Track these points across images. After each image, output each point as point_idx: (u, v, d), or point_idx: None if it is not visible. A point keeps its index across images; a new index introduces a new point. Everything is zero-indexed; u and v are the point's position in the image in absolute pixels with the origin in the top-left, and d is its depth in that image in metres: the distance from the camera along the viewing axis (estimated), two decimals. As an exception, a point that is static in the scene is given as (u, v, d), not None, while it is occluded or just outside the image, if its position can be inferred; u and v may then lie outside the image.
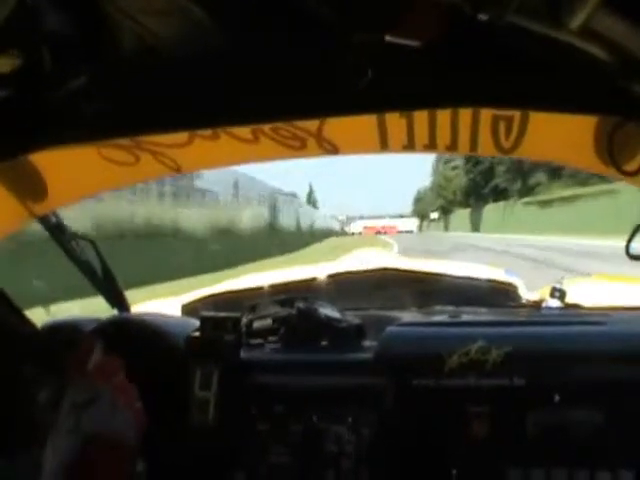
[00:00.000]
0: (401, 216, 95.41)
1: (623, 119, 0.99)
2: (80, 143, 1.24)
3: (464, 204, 67.45)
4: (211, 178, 20.19)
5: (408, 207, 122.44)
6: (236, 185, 24.05)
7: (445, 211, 78.59)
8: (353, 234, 79.22)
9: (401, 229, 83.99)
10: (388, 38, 0.85)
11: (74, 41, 0.95)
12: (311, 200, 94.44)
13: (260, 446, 1.46)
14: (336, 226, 77.24)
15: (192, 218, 18.08)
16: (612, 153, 1.07)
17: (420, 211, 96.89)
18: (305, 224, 40.48)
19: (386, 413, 1.41)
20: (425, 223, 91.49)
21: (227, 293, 2.08)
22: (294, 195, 44.49)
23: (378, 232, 78.87)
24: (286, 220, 31.96)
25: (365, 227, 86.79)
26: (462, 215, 66.86)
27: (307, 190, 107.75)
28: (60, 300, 7.34)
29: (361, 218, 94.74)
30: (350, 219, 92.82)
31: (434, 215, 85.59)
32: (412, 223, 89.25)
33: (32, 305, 2.06)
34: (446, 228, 74.27)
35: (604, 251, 14.88)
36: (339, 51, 0.90)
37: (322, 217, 64.09)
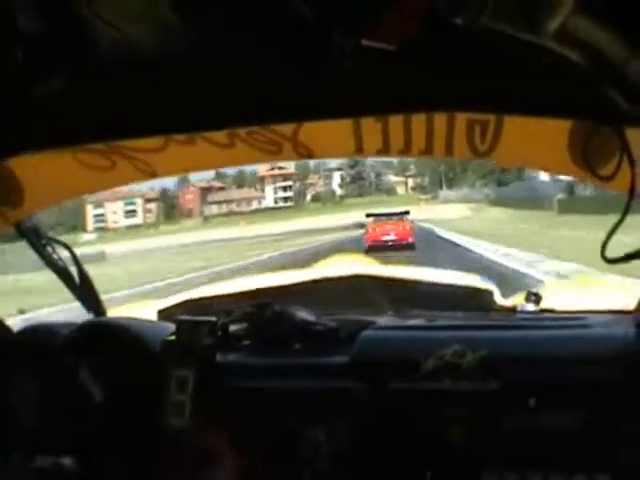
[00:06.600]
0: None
1: (598, 123, 1.00)
2: (56, 148, 1.23)
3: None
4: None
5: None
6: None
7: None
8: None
9: None
10: (364, 42, 0.85)
11: (48, 45, 0.94)
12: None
13: (235, 449, 1.45)
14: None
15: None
16: (587, 157, 1.08)
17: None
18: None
19: (362, 416, 1.41)
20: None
21: (203, 299, 2.06)
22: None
23: None
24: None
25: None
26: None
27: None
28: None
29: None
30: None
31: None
32: None
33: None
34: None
35: None
36: (315, 55, 0.90)
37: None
